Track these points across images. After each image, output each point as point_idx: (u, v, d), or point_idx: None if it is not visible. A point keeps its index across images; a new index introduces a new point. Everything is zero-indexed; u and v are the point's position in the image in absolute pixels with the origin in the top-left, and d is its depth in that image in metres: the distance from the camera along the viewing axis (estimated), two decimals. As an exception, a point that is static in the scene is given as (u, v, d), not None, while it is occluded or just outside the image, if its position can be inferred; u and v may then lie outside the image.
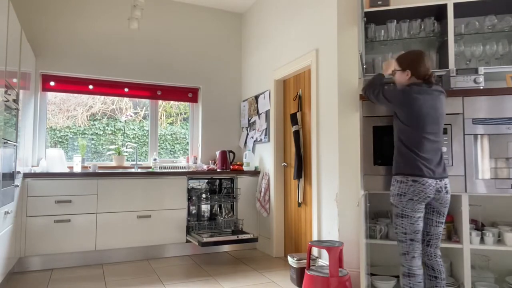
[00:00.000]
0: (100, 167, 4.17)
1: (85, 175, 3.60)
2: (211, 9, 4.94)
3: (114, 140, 4.51)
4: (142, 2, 3.98)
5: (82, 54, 4.24)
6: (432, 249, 2.24)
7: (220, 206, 4.39)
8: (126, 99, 4.61)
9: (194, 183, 4.33)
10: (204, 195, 4.32)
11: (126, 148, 4.40)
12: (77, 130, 4.35)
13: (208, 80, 4.86)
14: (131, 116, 4.63)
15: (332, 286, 2.54)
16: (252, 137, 4.57)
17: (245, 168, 4.39)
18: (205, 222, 4.23)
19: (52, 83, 4.13)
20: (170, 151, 4.80)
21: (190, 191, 4.16)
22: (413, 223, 2.15)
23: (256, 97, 4.52)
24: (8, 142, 2.66)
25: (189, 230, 3.97)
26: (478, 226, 2.66)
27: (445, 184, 2.16)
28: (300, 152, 3.65)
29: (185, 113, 4.94)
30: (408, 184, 2.14)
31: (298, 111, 3.76)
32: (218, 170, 4.34)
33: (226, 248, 4.27)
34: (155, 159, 4.24)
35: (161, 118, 4.79)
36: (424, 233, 2.25)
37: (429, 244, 2.25)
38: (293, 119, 3.74)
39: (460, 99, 2.48)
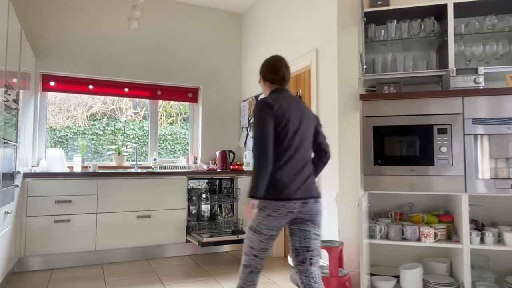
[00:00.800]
0: (100, 167, 4.17)
1: (85, 175, 3.60)
2: (211, 9, 4.94)
3: (114, 140, 4.51)
4: (142, 2, 3.98)
5: (82, 54, 4.24)
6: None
7: (220, 206, 4.39)
8: (126, 99, 4.61)
9: (194, 183, 4.33)
10: (204, 195, 4.32)
11: (126, 148, 4.40)
12: (77, 130, 4.35)
13: (208, 80, 4.86)
14: (131, 116, 4.63)
15: (332, 286, 2.54)
16: (252, 137, 4.57)
17: (245, 168, 4.39)
18: (205, 222, 4.23)
19: (52, 83, 4.13)
20: (170, 151, 4.79)
21: (190, 191, 4.16)
22: (262, 241, 1.88)
23: (256, 97, 4.52)
24: (8, 142, 2.66)
25: (189, 230, 3.97)
26: (478, 226, 2.66)
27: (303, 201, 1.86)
28: (300, 152, 3.64)
29: (185, 113, 4.94)
30: (272, 203, 1.84)
31: (298, 111, 3.76)
32: (218, 170, 4.34)
33: (226, 248, 4.26)
34: (155, 159, 4.24)
35: (161, 118, 4.79)
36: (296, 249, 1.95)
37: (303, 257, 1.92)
38: (293, 119, 3.73)
39: (460, 99, 2.48)
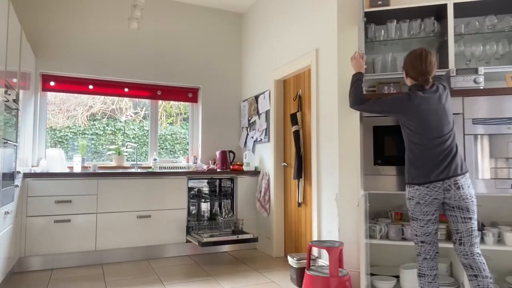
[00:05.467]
0: (100, 167, 4.17)
1: (85, 175, 3.60)
2: (211, 9, 4.94)
3: (114, 140, 4.51)
4: (142, 2, 3.98)
5: (82, 54, 4.24)
6: (467, 248, 2.09)
7: (220, 206, 4.39)
8: (126, 99, 4.61)
9: (194, 183, 4.33)
10: (204, 195, 4.32)
11: (126, 148, 4.40)
12: (77, 130, 4.35)
13: (208, 80, 4.86)
14: (131, 116, 4.63)
15: (332, 286, 2.54)
16: (252, 137, 4.57)
17: (245, 168, 4.39)
18: (205, 222, 4.23)
19: (52, 83, 4.13)
20: (170, 151, 4.80)
21: (190, 191, 4.16)
22: (422, 226, 2.14)
23: (256, 97, 4.52)
24: (8, 142, 2.66)
25: (189, 230, 3.97)
26: (478, 226, 2.66)
27: (455, 181, 2.07)
28: (300, 152, 3.65)
29: (185, 113, 4.94)
30: (414, 188, 2.14)
31: (298, 111, 3.76)
32: (218, 170, 4.34)
33: (226, 248, 4.27)
34: (155, 159, 4.24)
35: (161, 118, 4.79)
36: (454, 232, 2.14)
37: (461, 242, 2.11)
38: (293, 119, 3.74)
39: (460, 99, 2.48)
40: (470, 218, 2.09)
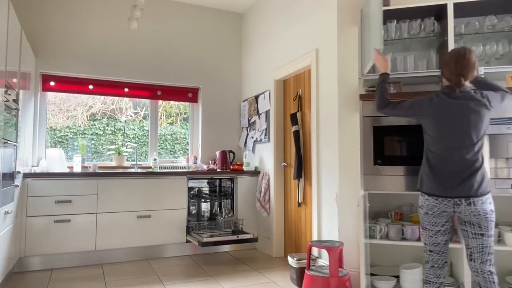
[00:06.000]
0: (100, 167, 4.16)
1: (85, 175, 3.60)
2: (211, 9, 4.94)
3: (114, 140, 4.51)
4: (142, 2, 3.98)
5: (82, 54, 4.24)
6: (477, 264, 1.97)
7: (220, 206, 4.39)
8: (126, 99, 4.61)
9: (194, 183, 4.33)
10: (204, 195, 4.32)
11: (126, 148, 4.40)
12: (77, 130, 4.35)
13: (208, 80, 4.86)
14: (131, 116, 4.63)
15: (332, 286, 2.54)
16: (252, 137, 4.57)
17: (245, 168, 4.39)
18: (205, 222, 4.23)
19: (52, 83, 4.13)
20: (170, 151, 4.80)
21: (190, 191, 4.16)
22: (431, 236, 2.07)
23: (256, 97, 4.52)
24: (8, 142, 2.66)
25: (189, 230, 3.97)
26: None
27: (466, 199, 1.92)
28: (300, 152, 3.65)
29: (185, 113, 4.94)
30: (424, 197, 2.06)
31: (298, 111, 3.76)
32: (218, 170, 4.34)
33: (226, 248, 4.27)
34: (155, 159, 4.24)
35: (161, 118, 4.79)
36: (465, 247, 2.05)
37: (471, 258, 2.00)
38: (293, 119, 3.74)
39: (460, 99, 2.47)
40: (482, 235, 1.96)
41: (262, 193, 4.16)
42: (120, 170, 4.15)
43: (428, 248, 2.10)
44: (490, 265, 1.96)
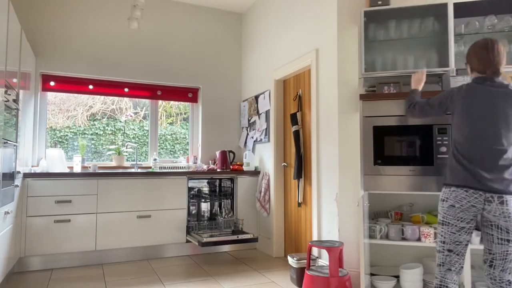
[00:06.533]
0: (100, 167, 4.16)
1: (85, 175, 3.60)
2: (211, 9, 4.94)
3: (114, 140, 4.51)
4: (142, 2, 3.98)
5: (82, 54, 4.24)
6: (497, 272, 1.85)
7: (220, 206, 4.39)
8: (126, 99, 4.61)
9: (194, 183, 4.33)
10: (204, 195, 4.32)
11: (126, 148, 4.40)
12: (77, 130, 4.35)
13: (208, 80, 4.86)
14: (131, 116, 4.63)
15: (332, 286, 2.54)
16: (252, 137, 4.57)
17: (245, 168, 4.39)
18: (205, 222, 4.23)
19: (52, 83, 4.13)
20: (170, 151, 4.80)
21: (190, 191, 4.16)
22: (454, 233, 1.88)
23: (256, 97, 4.52)
24: (8, 142, 2.66)
25: (189, 230, 3.97)
26: (478, 226, 2.66)
27: (499, 196, 1.79)
28: (300, 152, 3.65)
29: (185, 113, 4.94)
30: (451, 189, 1.89)
31: (298, 111, 3.76)
32: (218, 170, 4.34)
33: (226, 248, 4.27)
34: (155, 159, 4.24)
35: (161, 118, 4.79)
36: (486, 251, 1.91)
37: (492, 265, 1.87)
38: (293, 119, 3.74)
39: (460, 99, 2.47)
40: (508, 241, 1.82)
41: (262, 193, 4.16)
42: (120, 170, 4.15)
43: (447, 247, 1.90)
44: (510, 273, 1.86)
